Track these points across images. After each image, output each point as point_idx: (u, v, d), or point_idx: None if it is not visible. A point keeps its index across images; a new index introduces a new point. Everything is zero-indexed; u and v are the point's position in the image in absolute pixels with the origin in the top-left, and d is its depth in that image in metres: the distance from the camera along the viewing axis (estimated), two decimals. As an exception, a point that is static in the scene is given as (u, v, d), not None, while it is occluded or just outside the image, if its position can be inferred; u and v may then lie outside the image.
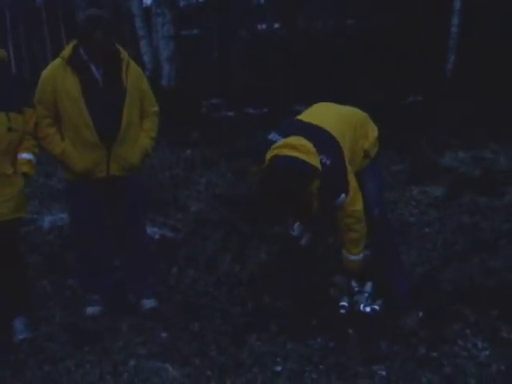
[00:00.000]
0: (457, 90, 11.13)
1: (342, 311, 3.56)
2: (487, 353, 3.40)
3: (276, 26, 18.15)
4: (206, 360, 3.46)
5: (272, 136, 3.40)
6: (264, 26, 18.83)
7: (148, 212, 5.19)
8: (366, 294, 3.63)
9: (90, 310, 4.09)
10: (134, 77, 3.90)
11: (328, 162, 3.28)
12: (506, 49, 11.42)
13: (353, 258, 3.58)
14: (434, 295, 3.94)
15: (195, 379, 3.29)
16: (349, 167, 3.38)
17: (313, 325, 3.74)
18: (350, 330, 3.56)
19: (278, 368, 3.34)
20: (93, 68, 3.80)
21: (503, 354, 3.37)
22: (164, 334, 3.78)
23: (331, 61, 13.54)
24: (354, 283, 3.74)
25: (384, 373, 3.26)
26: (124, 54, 3.90)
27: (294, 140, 3.26)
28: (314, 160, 3.22)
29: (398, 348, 3.46)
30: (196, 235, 5.25)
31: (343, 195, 3.35)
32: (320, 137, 3.34)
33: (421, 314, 3.73)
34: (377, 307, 3.58)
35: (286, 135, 3.33)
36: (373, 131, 3.68)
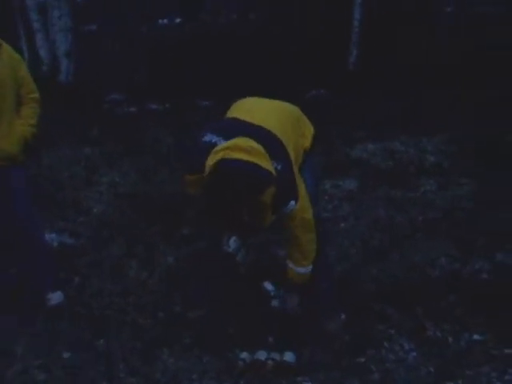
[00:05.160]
0: (360, 83, 11.16)
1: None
2: (414, 354, 3.25)
3: (177, 20, 17.77)
4: (115, 383, 3.12)
5: (209, 137, 2.93)
6: (165, 21, 18.42)
7: (45, 216, 4.76)
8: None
9: None
10: (7, 62, 3.63)
11: (279, 168, 2.91)
12: (409, 41, 11.56)
13: (300, 270, 3.18)
14: (355, 295, 3.76)
15: (102, 406, 2.95)
16: (296, 172, 3.06)
17: (230, 335, 3.46)
18: (270, 339, 3.32)
19: (195, 386, 3.05)
20: None
21: (431, 355, 3.22)
22: (66, 355, 3.39)
23: (235, 55, 13.32)
24: (269, 286, 3.49)
25: (309, 384, 3.03)
26: None
27: (242, 142, 2.83)
28: (268, 164, 2.83)
29: (322, 356, 3.23)
30: (99, 240, 4.84)
31: (293, 202, 2.98)
32: (268, 140, 2.94)
33: (343, 316, 3.53)
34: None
35: (228, 137, 2.88)
36: (309, 129, 3.37)
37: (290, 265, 3.20)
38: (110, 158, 7.24)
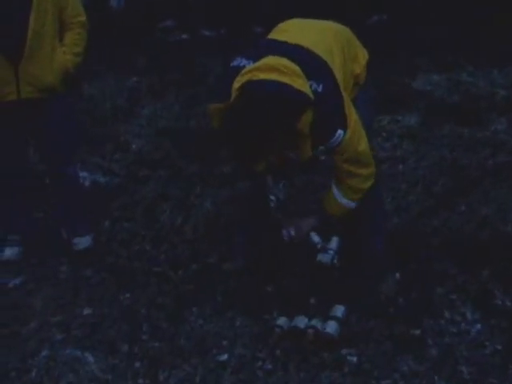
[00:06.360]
0: (425, 8, 10.36)
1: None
2: (479, 327, 2.79)
3: None
4: (136, 346, 2.80)
5: (238, 62, 2.56)
6: None
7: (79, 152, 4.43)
8: (331, 252, 2.98)
9: (9, 251, 3.58)
10: None
11: (319, 89, 2.48)
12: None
13: (345, 202, 2.78)
14: (412, 251, 3.30)
15: (120, 375, 2.63)
16: (345, 95, 2.60)
17: (268, 293, 3.08)
18: (312, 300, 2.93)
19: (224, 357, 2.68)
20: None
21: (498, 328, 2.76)
22: (87, 311, 3.10)
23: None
24: (315, 238, 3.05)
25: (355, 359, 2.62)
26: None
27: (273, 60, 2.43)
28: (304, 85, 2.41)
29: (373, 323, 2.81)
30: (133, 179, 4.47)
31: (340, 131, 2.53)
32: (305, 58, 2.51)
33: (397, 275, 3.10)
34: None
35: (257, 58, 2.48)
36: (363, 53, 2.91)
37: (335, 191, 2.79)
38: (155, 89, 6.83)
